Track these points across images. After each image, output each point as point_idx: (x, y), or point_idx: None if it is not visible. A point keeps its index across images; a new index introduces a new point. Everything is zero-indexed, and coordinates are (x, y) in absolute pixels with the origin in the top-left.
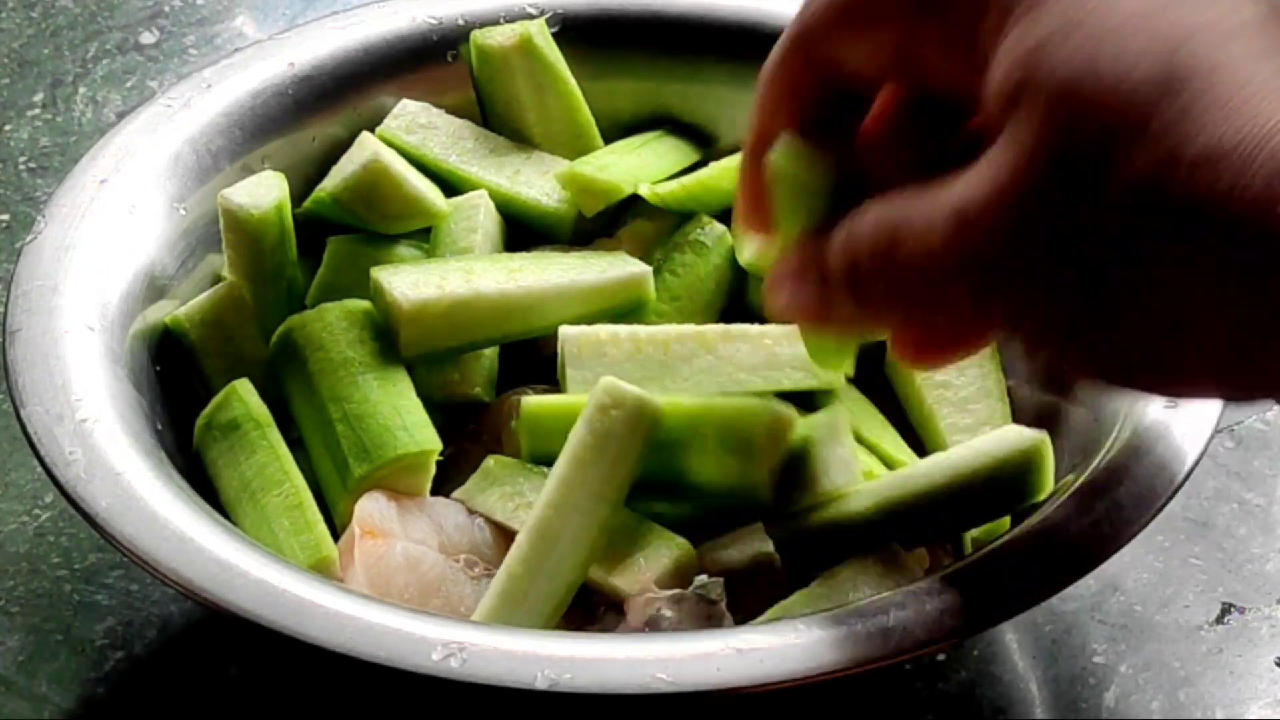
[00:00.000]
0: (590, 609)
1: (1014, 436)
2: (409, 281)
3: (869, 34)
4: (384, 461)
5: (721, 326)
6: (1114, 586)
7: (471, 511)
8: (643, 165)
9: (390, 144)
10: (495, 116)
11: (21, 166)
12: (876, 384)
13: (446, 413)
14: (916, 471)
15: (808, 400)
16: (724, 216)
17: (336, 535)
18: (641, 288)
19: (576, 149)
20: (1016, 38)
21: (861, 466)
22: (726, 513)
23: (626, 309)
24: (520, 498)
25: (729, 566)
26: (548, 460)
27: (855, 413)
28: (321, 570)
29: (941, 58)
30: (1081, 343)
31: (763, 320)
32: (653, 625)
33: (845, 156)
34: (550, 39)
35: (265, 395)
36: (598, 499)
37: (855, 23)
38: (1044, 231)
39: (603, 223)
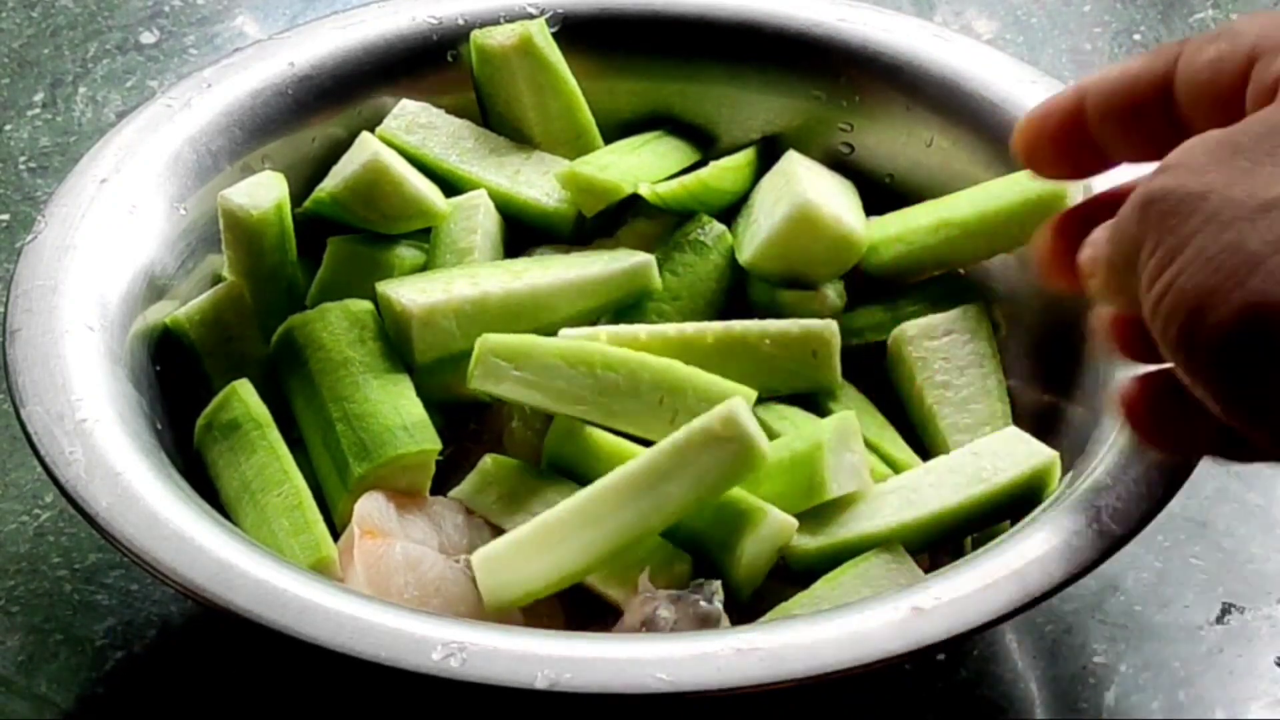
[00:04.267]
0: (591, 612)
1: (1024, 453)
2: (416, 289)
3: None
4: (384, 461)
5: (720, 328)
6: (1114, 586)
7: (471, 512)
8: (643, 165)
9: (390, 144)
10: (495, 116)
11: (21, 166)
12: (876, 384)
13: (447, 413)
14: (924, 484)
15: (809, 400)
16: (724, 216)
17: (336, 535)
18: (646, 277)
19: (576, 149)
20: None
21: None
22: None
23: (633, 299)
24: (517, 499)
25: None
26: (565, 467)
27: (855, 413)
28: (321, 570)
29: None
30: None
31: (763, 318)
32: (650, 625)
33: None
34: (550, 39)
35: (265, 395)
36: (656, 502)
37: None
38: None
39: (602, 223)
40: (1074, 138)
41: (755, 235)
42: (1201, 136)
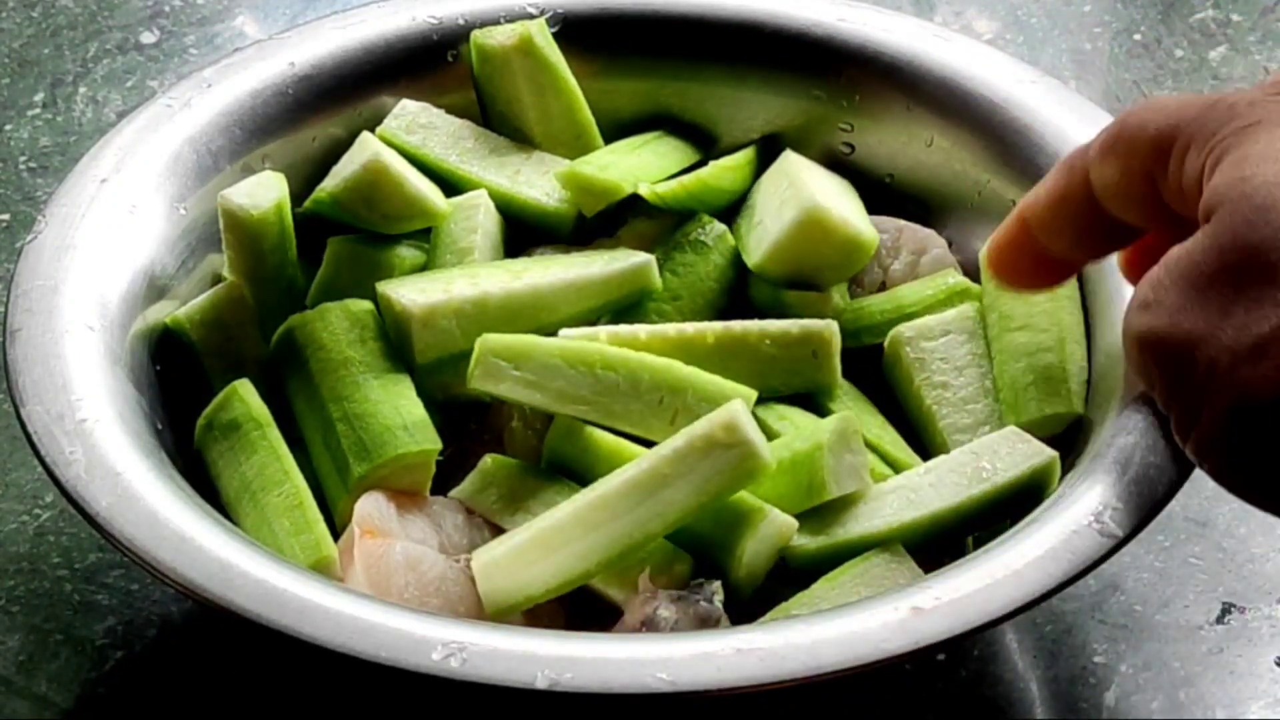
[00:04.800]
0: (591, 612)
1: (1024, 453)
2: (416, 289)
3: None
4: (384, 461)
5: (720, 328)
6: (1114, 586)
7: (471, 511)
8: (643, 165)
9: (390, 144)
10: (495, 116)
11: (22, 166)
12: (876, 384)
13: (447, 413)
14: (924, 484)
15: (808, 401)
16: (724, 216)
17: (336, 535)
18: (646, 277)
19: (576, 149)
20: (1229, 164)
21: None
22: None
23: (633, 299)
24: (517, 498)
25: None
26: (564, 465)
27: (855, 413)
28: (321, 570)
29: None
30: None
31: (763, 317)
32: (650, 625)
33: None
34: (550, 39)
35: (265, 395)
36: (661, 507)
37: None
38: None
39: (602, 223)
40: (1030, 259)
41: (763, 238)
42: (1165, 265)
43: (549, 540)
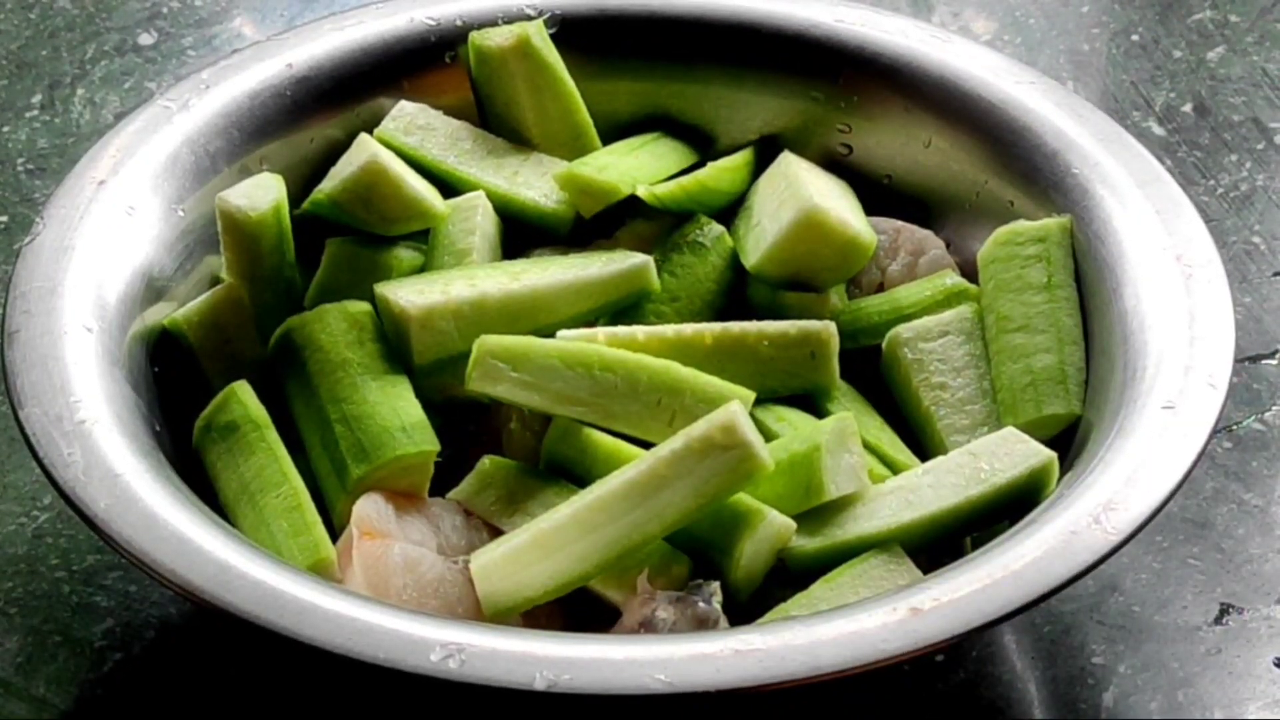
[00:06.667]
0: (589, 613)
1: (1022, 454)
2: (414, 290)
3: None
4: (382, 462)
5: (718, 330)
6: (1113, 587)
7: (469, 513)
8: (641, 166)
9: (388, 145)
10: (493, 117)
11: (20, 168)
12: (875, 384)
13: (445, 414)
14: (923, 485)
15: (806, 402)
16: (722, 217)
17: (335, 536)
18: (644, 278)
19: (575, 150)
20: None
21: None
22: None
23: (631, 300)
24: (516, 500)
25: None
26: (562, 466)
27: (853, 414)
28: (320, 571)
29: None
30: None
31: (761, 318)
32: (648, 626)
33: None
34: (548, 40)
35: (264, 397)
36: (659, 509)
37: None
38: None
39: (601, 224)
40: None
41: (761, 240)
42: None
43: (547, 542)
